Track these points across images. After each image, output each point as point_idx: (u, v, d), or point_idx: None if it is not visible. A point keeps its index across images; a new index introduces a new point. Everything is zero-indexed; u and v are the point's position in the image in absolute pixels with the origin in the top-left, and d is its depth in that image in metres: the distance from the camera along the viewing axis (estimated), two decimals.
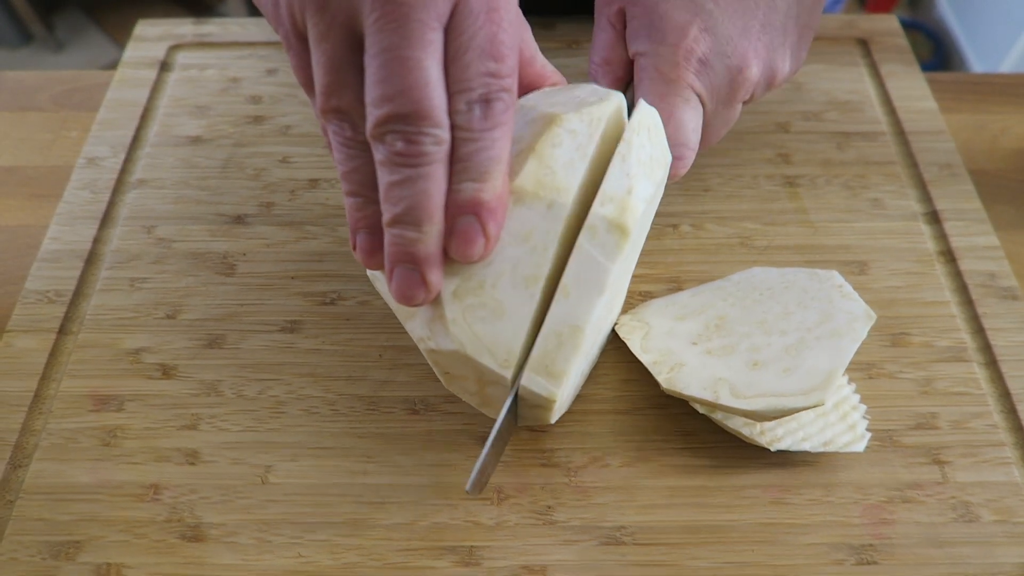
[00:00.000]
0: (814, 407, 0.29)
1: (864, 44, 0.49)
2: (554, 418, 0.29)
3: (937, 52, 1.62)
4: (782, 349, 0.31)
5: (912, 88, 0.46)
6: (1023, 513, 0.31)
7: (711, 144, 0.35)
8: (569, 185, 0.26)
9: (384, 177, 0.23)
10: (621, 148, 0.26)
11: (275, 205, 0.41)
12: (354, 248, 0.26)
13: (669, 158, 0.29)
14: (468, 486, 0.26)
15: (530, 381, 0.26)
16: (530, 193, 0.25)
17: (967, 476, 0.32)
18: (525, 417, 0.29)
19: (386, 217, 0.24)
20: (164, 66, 0.48)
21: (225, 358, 0.36)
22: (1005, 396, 0.34)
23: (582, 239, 0.25)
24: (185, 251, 0.40)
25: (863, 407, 0.33)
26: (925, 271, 0.38)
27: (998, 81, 0.49)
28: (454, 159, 0.24)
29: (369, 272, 0.28)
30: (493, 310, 0.25)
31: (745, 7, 0.32)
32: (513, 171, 0.26)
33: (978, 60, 1.51)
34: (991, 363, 0.35)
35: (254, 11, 0.71)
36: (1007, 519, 0.31)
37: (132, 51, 0.49)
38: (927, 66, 1.59)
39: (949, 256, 0.39)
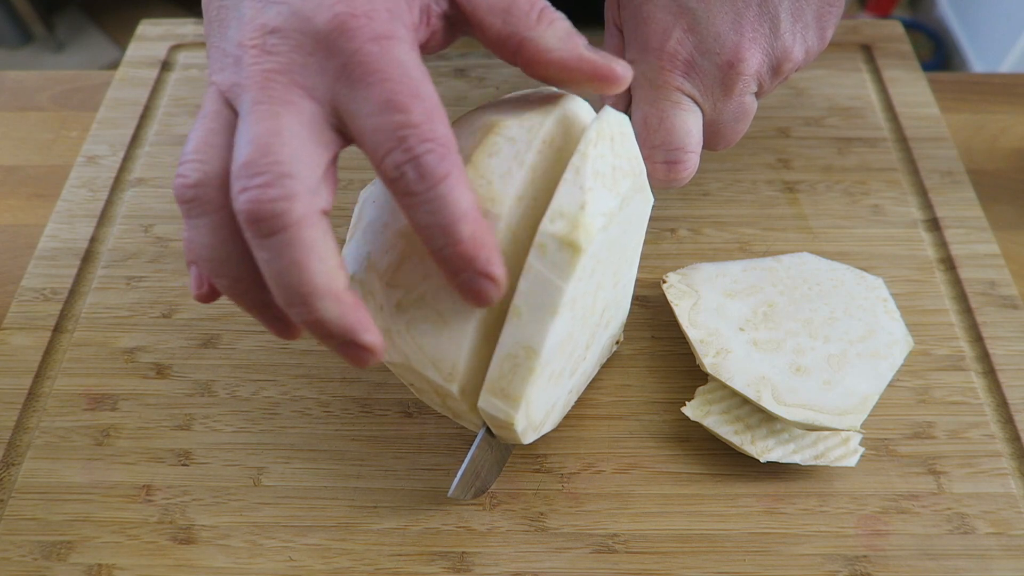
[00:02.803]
0: (847, 431, 0.29)
1: (867, 49, 0.48)
2: (526, 439, 0.28)
3: (937, 52, 1.61)
4: (825, 358, 0.32)
5: (915, 94, 0.46)
6: (1019, 525, 0.31)
7: (731, 141, 0.34)
8: (504, 195, 0.24)
9: (256, 257, 0.21)
10: (575, 160, 0.24)
11: None
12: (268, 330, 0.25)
13: (641, 167, 0.27)
14: (450, 491, 0.25)
15: (487, 403, 0.25)
16: None
17: (963, 487, 0.32)
18: (501, 436, 0.28)
19: (278, 301, 0.22)
20: (165, 66, 0.48)
21: (219, 358, 0.36)
22: (1003, 406, 0.34)
23: (531, 258, 0.23)
24: (182, 250, 0.40)
25: None
26: (925, 278, 0.38)
27: (998, 81, 0.49)
28: (416, 227, 0.22)
29: None
30: (435, 322, 0.24)
31: None
32: None
33: (978, 60, 1.51)
34: (989, 372, 0.35)
35: None
36: (1003, 531, 0.31)
37: (133, 50, 0.49)
38: (927, 66, 1.58)
39: (949, 264, 0.39)
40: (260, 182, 0.20)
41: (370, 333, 0.22)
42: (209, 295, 0.24)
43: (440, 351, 0.25)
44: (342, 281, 0.22)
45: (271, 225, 0.20)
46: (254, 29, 0.22)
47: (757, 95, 0.33)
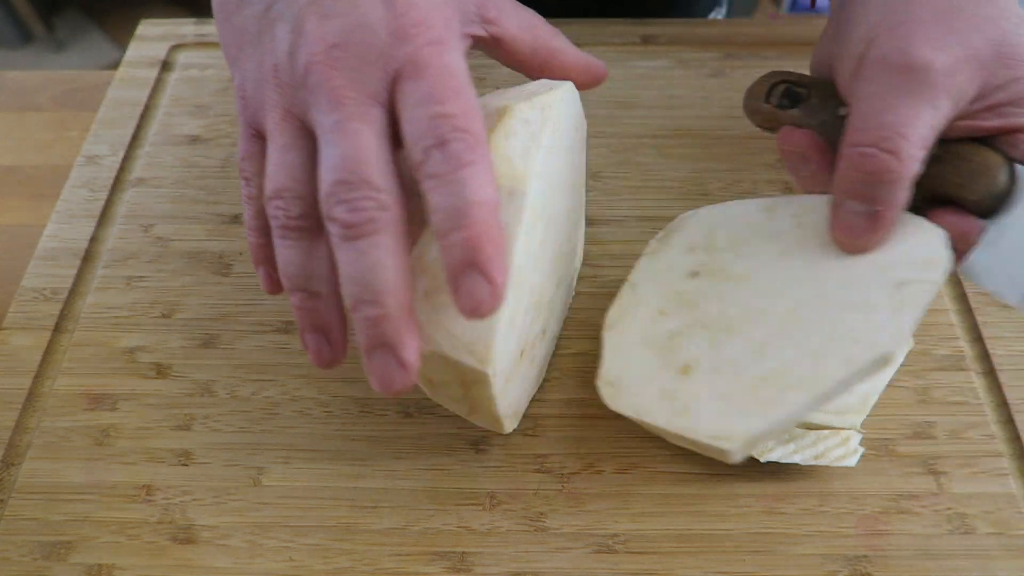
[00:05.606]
0: (847, 430, 0.29)
1: None
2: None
3: None
4: None
5: None
6: (1019, 526, 0.31)
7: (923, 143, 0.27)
8: (526, 172, 0.26)
9: (340, 260, 0.23)
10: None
11: None
12: (307, 349, 0.26)
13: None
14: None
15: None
16: None
17: (963, 487, 0.32)
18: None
19: (348, 302, 0.23)
20: (165, 65, 0.48)
21: (220, 358, 0.36)
22: (1003, 406, 0.34)
23: None
24: (182, 250, 0.40)
25: None
26: None
27: None
28: (431, 210, 0.23)
29: None
30: None
31: None
32: None
33: None
34: (989, 372, 0.35)
35: None
36: (1003, 532, 0.31)
37: (134, 50, 0.49)
38: None
39: None
40: (357, 195, 0.22)
41: (412, 351, 0.23)
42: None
43: (473, 335, 0.25)
44: (410, 285, 0.23)
45: (364, 230, 0.22)
46: (318, 44, 0.24)
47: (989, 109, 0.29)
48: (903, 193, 0.26)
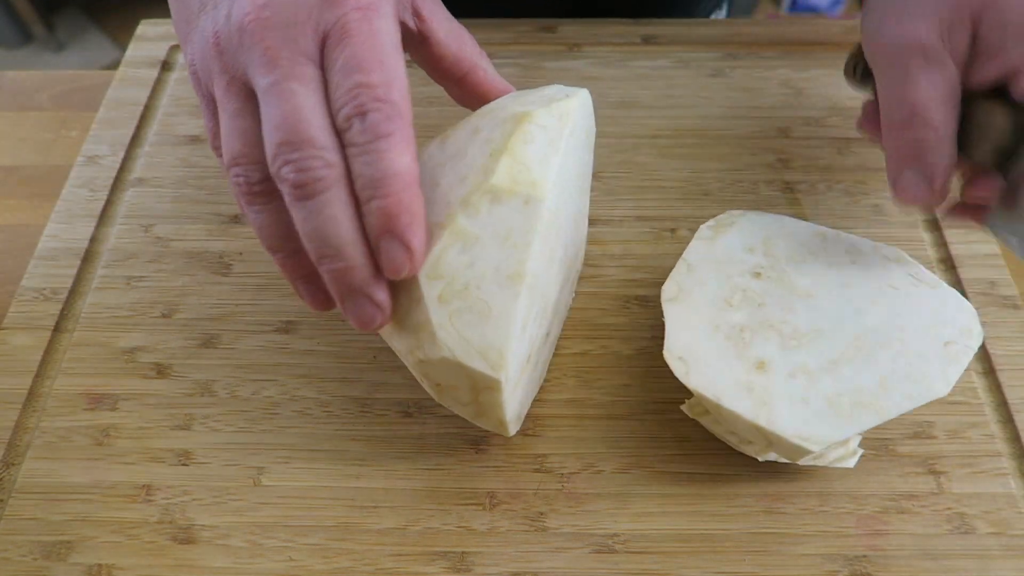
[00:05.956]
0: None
1: None
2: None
3: None
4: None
5: None
6: (1019, 526, 0.31)
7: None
8: (543, 179, 0.26)
9: (296, 219, 0.24)
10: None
11: None
12: (303, 298, 0.27)
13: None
14: None
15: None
16: (506, 191, 0.25)
17: (963, 487, 0.32)
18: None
19: (312, 257, 0.24)
20: (165, 65, 0.48)
21: (220, 358, 0.36)
22: (1003, 405, 0.34)
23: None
24: (182, 250, 0.40)
25: None
26: None
27: None
28: (353, 178, 0.24)
29: None
30: (480, 312, 0.25)
31: None
32: (488, 172, 0.26)
33: None
34: (989, 372, 0.35)
35: None
36: (1003, 531, 0.31)
37: (133, 50, 0.49)
38: None
39: (949, 263, 0.39)
40: (302, 155, 0.23)
41: (383, 291, 0.25)
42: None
43: (487, 341, 0.25)
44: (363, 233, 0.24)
45: (313, 189, 0.23)
46: (250, 5, 0.24)
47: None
48: (946, 150, 0.29)
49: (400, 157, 0.23)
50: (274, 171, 0.23)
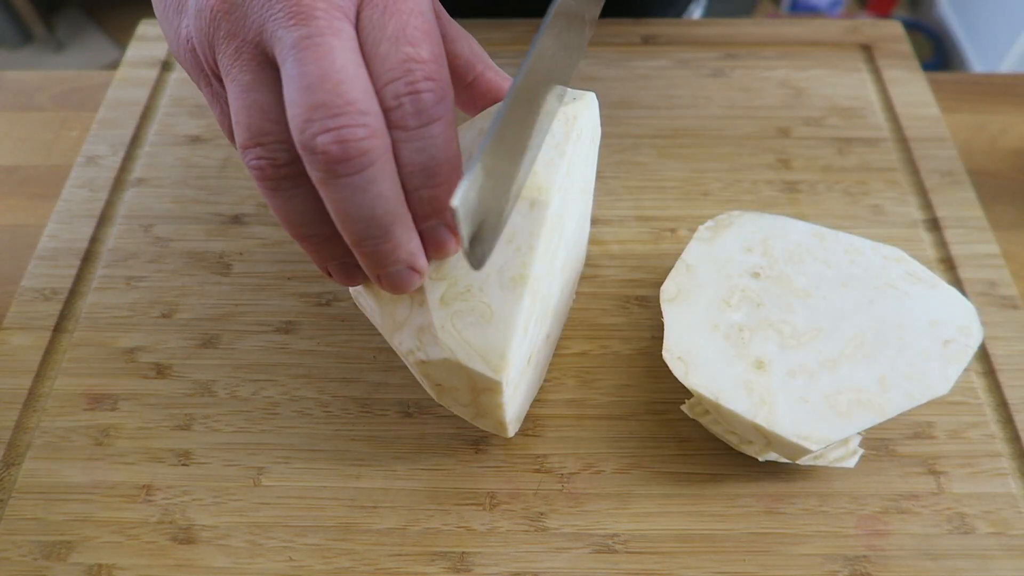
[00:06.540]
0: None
1: (867, 50, 0.48)
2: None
3: (937, 52, 1.61)
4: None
5: (915, 94, 0.46)
6: (1019, 525, 0.31)
7: None
8: (549, 184, 0.26)
9: (331, 199, 0.21)
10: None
11: None
12: (329, 276, 0.26)
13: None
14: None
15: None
16: None
17: (963, 487, 0.32)
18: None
19: (351, 239, 0.22)
20: (165, 66, 0.48)
21: (220, 358, 0.36)
22: (1003, 406, 0.34)
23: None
24: (182, 250, 0.40)
25: None
26: None
27: (998, 81, 0.49)
28: (399, 163, 0.22)
29: (352, 290, 0.28)
30: (482, 314, 0.25)
31: None
32: None
33: (978, 60, 1.51)
34: (989, 372, 0.35)
35: None
36: (1003, 531, 0.31)
37: (134, 50, 0.49)
38: (927, 66, 1.59)
39: (949, 264, 0.39)
40: (344, 121, 0.20)
41: (423, 258, 0.24)
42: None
43: (488, 343, 0.25)
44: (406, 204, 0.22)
45: (359, 163, 0.20)
46: None
47: None
48: None
49: (450, 144, 0.22)
50: (305, 140, 0.20)
